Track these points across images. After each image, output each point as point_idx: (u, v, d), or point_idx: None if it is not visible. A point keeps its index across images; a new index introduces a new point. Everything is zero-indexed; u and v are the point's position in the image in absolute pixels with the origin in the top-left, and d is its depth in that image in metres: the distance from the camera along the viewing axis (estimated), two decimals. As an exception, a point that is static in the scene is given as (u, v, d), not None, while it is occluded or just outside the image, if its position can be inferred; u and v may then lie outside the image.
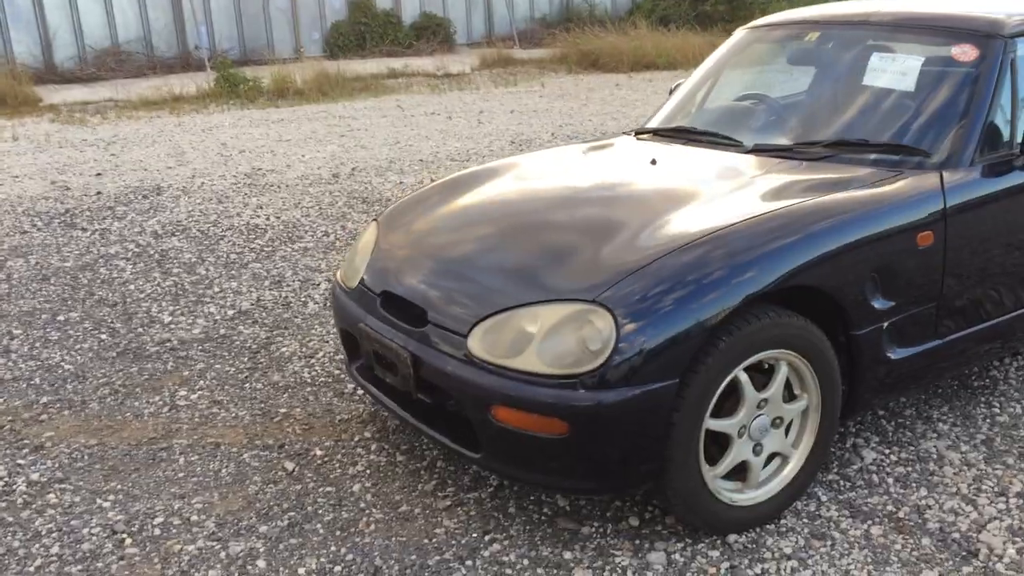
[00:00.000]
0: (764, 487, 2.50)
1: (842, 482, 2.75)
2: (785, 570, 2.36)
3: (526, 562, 2.45)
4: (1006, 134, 2.87)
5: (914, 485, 2.72)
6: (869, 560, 2.38)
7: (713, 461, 2.41)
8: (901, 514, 2.58)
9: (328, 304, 4.48)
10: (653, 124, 3.61)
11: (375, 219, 3.25)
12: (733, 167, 2.93)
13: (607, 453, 2.26)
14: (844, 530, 2.51)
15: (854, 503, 2.64)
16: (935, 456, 2.87)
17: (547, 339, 2.27)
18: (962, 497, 2.64)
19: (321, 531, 2.64)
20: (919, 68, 2.94)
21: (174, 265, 5.21)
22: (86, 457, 3.12)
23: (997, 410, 3.15)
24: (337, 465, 3.00)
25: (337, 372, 3.71)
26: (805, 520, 2.57)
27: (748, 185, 2.75)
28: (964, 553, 2.39)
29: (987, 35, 2.93)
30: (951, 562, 2.36)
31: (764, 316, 2.33)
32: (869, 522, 2.55)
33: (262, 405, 3.46)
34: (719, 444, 2.40)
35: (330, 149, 8.93)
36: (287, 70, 13.99)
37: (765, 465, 2.50)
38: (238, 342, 4.08)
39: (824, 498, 2.67)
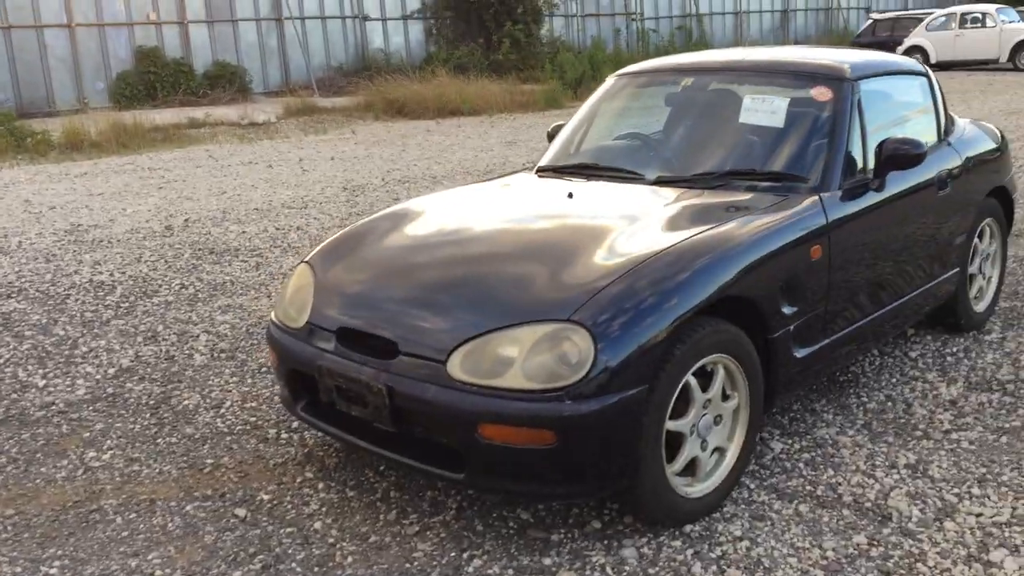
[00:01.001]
0: (709, 479, 2.80)
1: (762, 471, 3.10)
2: (741, 549, 2.65)
3: (511, 572, 2.60)
4: (860, 161, 3.37)
5: (821, 467, 3.11)
6: (807, 533, 2.72)
7: (668, 460, 2.67)
8: (819, 492, 2.95)
9: (216, 355, 4.42)
10: (547, 163, 3.88)
11: (304, 261, 3.30)
12: (647, 196, 3.26)
13: (590, 458, 2.47)
14: (778, 511, 2.85)
15: (778, 487, 2.99)
16: (830, 441, 3.28)
17: (529, 358, 2.46)
18: (863, 472, 3.06)
19: (298, 569, 2.67)
20: (786, 107, 3.39)
21: (24, 327, 4.93)
22: (9, 528, 2.96)
23: (865, 399, 3.64)
24: (290, 506, 3.01)
25: (253, 419, 3.69)
26: (743, 506, 2.88)
27: (669, 211, 3.08)
28: (880, 518, 2.79)
29: (838, 78, 3.45)
30: (872, 526, 2.74)
31: (707, 325, 2.64)
32: (796, 501, 2.90)
33: (184, 458, 3.40)
34: (671, 444, 2.67)
35: (152, 201, 8.64)
36: (77, 121, 13.29)
37: (709, 459, 2.80)
38: (132, 399, 3.96)
39: (752, 485, 3.00)
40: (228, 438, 3.55)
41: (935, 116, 3.96)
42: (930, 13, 24.05)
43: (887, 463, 3.11)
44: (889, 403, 3.58)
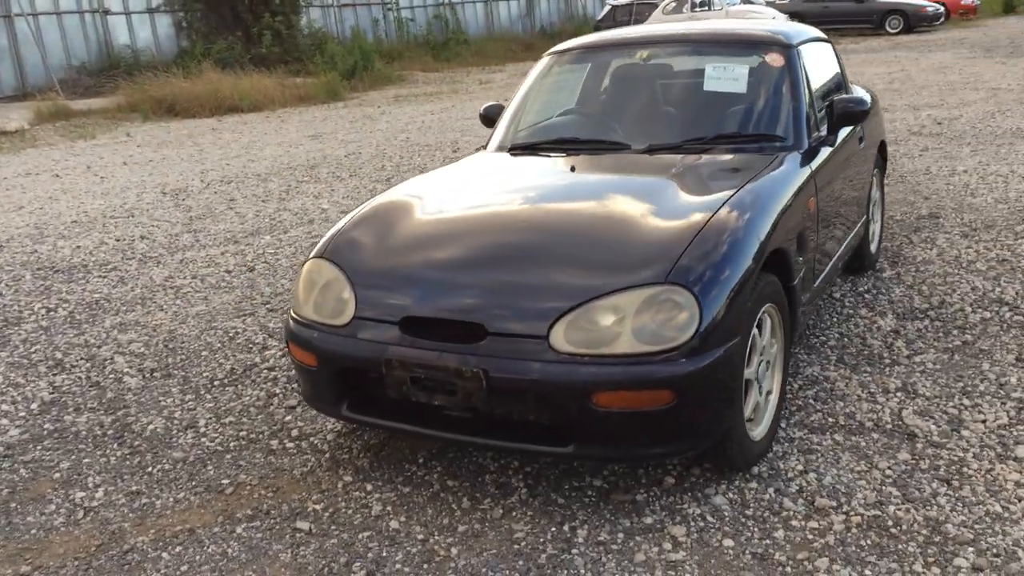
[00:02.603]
0: (763, 422, 2.98)
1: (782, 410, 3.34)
2: (811, 481, 2.86)
3: (621, 535, 2.65)
4: (813, 119, 3.69)
5: (828, 400, 3.40)
6: (857, 457, 2.98)
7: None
8: (841, 422, 3.23)
9: (149, 376, 4.06)
10: (519, 141, 3.87)
11: (314, 257, 3.12)
12: (652, 163, 3.38)
13: (702, 413, 2.58)
14: (819, 443, 3.09)
15: (804, 423, 3.24)
16: (821, 378, 3.59)
17: (636, 322, 2.51)
18: (866, 400, 3.38)
19: (405, 569, 2.57)
20: (747, 74, 3.64)
21: None
22: (38, 585, 2.60)
23: (824, 338, 4.00)
24: (351, 512, 2.87)
25: (242, 433, 3.45)
26: (786, 444, 3.10)
27: (687, 174, 3.22)
28: (907, 436, 3.10)
29: (785, 45, 3.74)
30: (906, 444, 3.05)
31: (762, 277, 2.81)
32: (828, 432, 3.16)
33: (194, 483, 3.13)
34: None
35: (-58, 223, 7.62)
36: None
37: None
38: (82, 431, 3.57)
39: (782, 424, 3.23)
40: (228, 456, 3.29)
41: (842, 76, 4.39)
42: (665, -2, 25.86)
43: (880, 389, 3.44)
44: (846, 339, 3.95)
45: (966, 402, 3.30)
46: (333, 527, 2.80)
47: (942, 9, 26.08)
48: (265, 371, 4.04)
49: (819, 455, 3.01)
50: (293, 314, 3.06)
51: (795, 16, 23.72)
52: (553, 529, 2.70)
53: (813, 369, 3.66)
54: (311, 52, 20.89)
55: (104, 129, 14.08)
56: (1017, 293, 4.31)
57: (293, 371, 3.96)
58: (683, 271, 2.58)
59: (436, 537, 2.71)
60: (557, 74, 4.19)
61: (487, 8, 28.10)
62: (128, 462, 3.30)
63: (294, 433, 3.42)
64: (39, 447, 3.46)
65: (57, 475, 3.23)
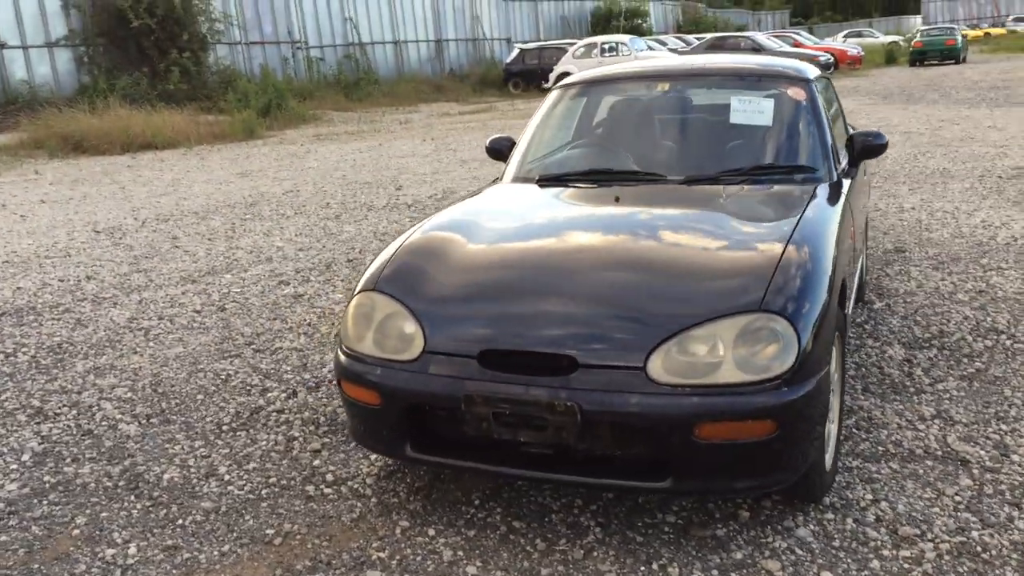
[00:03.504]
0: (830, 451, 2.96)
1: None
2: (886, 510, 2.84)
3: (716, 572, 2.57)
4: (836, 150, 3.75)
5: (869, 429, 3.41)
6: (920, 485, 2.98)
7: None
8: (892, 450, 3.24)
9: (147, 422, 3.79)
10: (545, 173, 3.78)
11: (365, 290, 2.96)
12: (698, 194, 3.36)
13: (801, 442, 2.53)
14: (878, 472, 3.09)
15: (856, 451, 3.24)
16: (855, 407, 3.61)
17: (737, 351, 2.46)
18: (906, 427, 3.40)
19: (502, 618, 2.42)
20: (772, 107, 3.68)
21: None
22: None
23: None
24: (421, 559, 2.71)
25: (272, 479, 3.24)
26: (846, 474, 3.09)
27: (739, 204, 3.21)
28: (960, 462, 3.13)
29: (804, 79, 3.81)
30: (963, 470, 3.07)
31: (831, 303, 2.81)
32: (882, 461, 3.16)
33: (235, 534, 2.90)
34: None
35: None
36: None
37: (826, 431, 2.96)
38: (91, 483, 3.29)
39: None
40: (264, 504, 3.08)
41: (840, 109, 4.50)
42: (572, 43, 26.45)
43: (917, 417, 3.48)
44: (863, 369, 4.00)
45: (1004, 427, 3.36)
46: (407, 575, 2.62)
47: (832, 59, 27.48)
48: (274, 414, 3.81)
49: (882, 484, 3.00)
50: (346, 349, 2.89)
51: (699, 62, 24.54)
52: (642, 568, 2.60)
53: (844, 399, 3.67)
54: (220, 89, 20.45)
55: (8, 166, 13.38)
56: (1008, 322, 4.46)
57: (306, 414, 3.77)
58: (775, 300, 2.54)
59: (521, 582, 2.57)
60: (572, 105, 4.15)
61: (397, 49, 28.12)
62: (153, 515, 3.04)
63: (329, 478, 3.23)
64: (45, 502, 3.16)
65: (76, 531, 2.95)
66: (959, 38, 30.46)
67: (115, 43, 20.28)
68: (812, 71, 4.00)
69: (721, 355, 2.46)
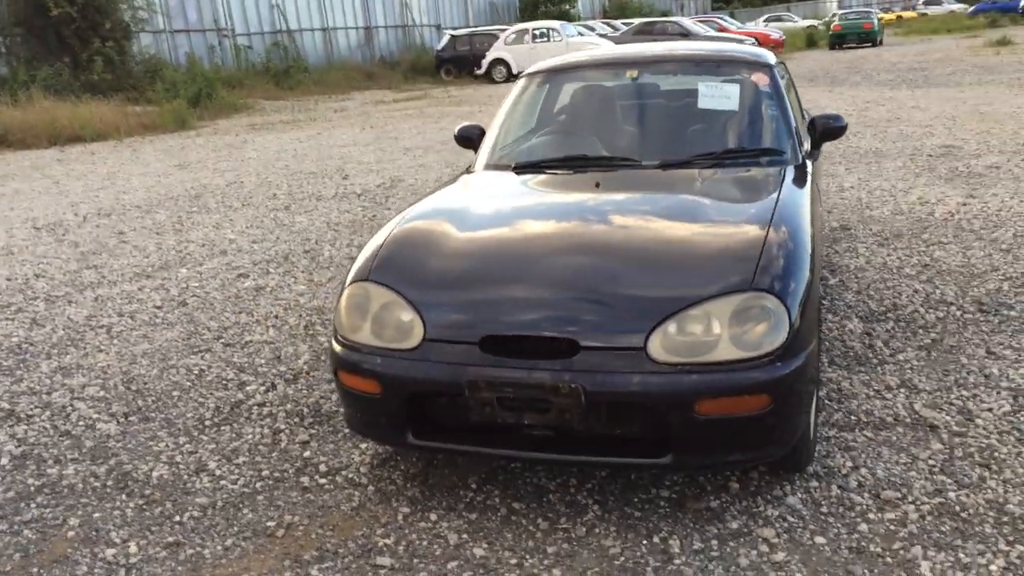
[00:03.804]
0: (812, 422, 3.09)
1: (803, 413, 3.47)
2: (866, 476, 2.98)
3: (715, 542, 2.68)
4: (800, 133, 3.88)
5: (840, 400, 3.56)
6: (894, 451, 3.13)
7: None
8: (864, 419, 3.39)
9: (124, 420, 3.76)
10: (523, 160, 3.82)
11: (358, 280, 2.98)
12: (676, 178, 3.45)
13: (793, 414, 2.65)
14: (854, 440, 3.23)
15: (830, 422, 3.38)
16: (824, 380, 3.76)
17: (733, 329, 2.57)
18: (875, 397, 3.56)
19: (516, 596, 2.50)
20: (738, 93, 3.80)
21: None
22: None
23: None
24: (427, 543, 2.76)
25: (265, 471, 3.25)
26: (823, 444, 3.23)
27: (717, 187, 3.32)
28: (929, 428, 3.30)
29: (767, 65, 3.94)
30: (932, 436, 3.23)
31: (814, 281, 2.93)
32: (856, 430, 3.31)
33: (235, 528, 2.92)
34: None
35: None
36: None
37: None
38: (77, 484, 3.27)
39: (812, 426, 3.35)
40: (260, 497, 3.09)
41: (796, 93, 4.65)
42: (503, 30, 26.45)
43: (883, 387, 3.65)
44: (826, 343, 4.16)
45: (965, 393, 3.54)
46: (416, 560, 2.68)
47: (756, 43, 28.03)
48: (256, 408, 3.81)
49: (859, 451, 3.15)
50: (341, 340, 2.91)
51: (629, 47, 24.81)
52: (644, 543, 2.70)
53: (813, 372, 3.82)
54: (146, 80, 19.95)
55: (-71, 162, 12.86)
56: (956, 294, 4.68)
57: (288, 406, 3.77)
58: (764, 278, 2.65)
59: (531, 560, 2.64)
60: (541, 93, 4.21)
61: (326, 36, 27.75)
62: (148, 512, 3.03)
63: (322, 468, 3.25)
64: (33, 505, 3.12)
65: (71, 533, 2.93)
66: (876, 22, 31.34)
67: (34, 32, 19.60)
68: (771, 57, 4.13)
69: (717, 334, 2.56)
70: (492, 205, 3.41)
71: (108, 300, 5.55)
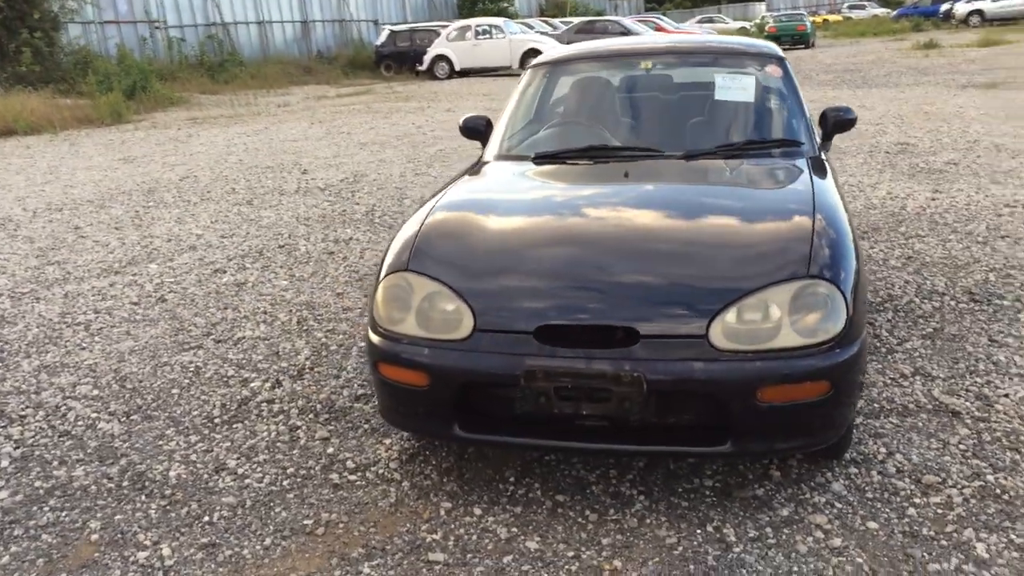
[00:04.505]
0: (849, 409, 3.11)
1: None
2: (902, 462, 3.01)
3: (769, 529, 2.67)
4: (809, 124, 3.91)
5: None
6: (924, 436, 3.17)
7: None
8: (887, 406, 3.43)
9: (127, 419, 3.60)
10: (541, 150, 3.73)
11: (397, 271, 2.89)
12: (707, 168, 3.43)
13: (848, 401, 2.66)
14: (881, 427, 3.27)
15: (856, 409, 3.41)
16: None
17: (792, 316, 2.56)
18: (893, 384, 3.61)
19: (582, 589, 2.45)
20: (754, 84, 3.81)
21: None
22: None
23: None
24: (476, 537, 2.70)
25: (289, 468, 3.15)
26: (855, 432, 3.25)
27: (750, 176, 3.32)
28: (951, 413, 3.35)
29: (778, 57, 3.95)
30: (956, 421, 3.27)
31: (860, 267, 2.93)
32: (882, 417, 3.34)
33: (271, 527, 2.81)
34: None
35: None
36: None
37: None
38: (90, 486, 3.12)
39: (837, 413, 3.38)
40: (291, 495, 2.98)
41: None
42: (445, 26, 26.30)
43: (897, 374, 3.70)
44: (832, 333, 4.19)
45: (979, 380, 3.61)
46: (470, 555, 2.61)
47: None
48: (264, 405, 3.68)
49: (889, 437, 3.18)
50: (383, 331, 2.82)
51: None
52: (698, 532, 2.67)
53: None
54: (77, 72, 19.29)
55: None
56: (946, 285, 4.77)
57: (300, 402, 3.65)
58: (818, 266, 2.65)
59: (588, 552, 2.60)
60: (551, 84, 4.16)
61: (261, 30, 27.22)
62: (173, 513, 2.89)
63: (350, 465, 3.15)
64: (46, 508, 2.96)
65: (95, 536, 2.78)
66: (808, 24, 32.09)
67: (-44, 22, 18.77)
68: (779, 50, 4.15)
69: (777, 321, 2.54)
70: (523, 195, 3.35)
71: (79, 296, 5.32)
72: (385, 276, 2.90)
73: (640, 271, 2.71)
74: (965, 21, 33.90)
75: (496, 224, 3.01)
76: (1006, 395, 3.46)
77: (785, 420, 2.57)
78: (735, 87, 3.78)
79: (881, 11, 51.80)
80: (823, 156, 3.70)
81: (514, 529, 2.72)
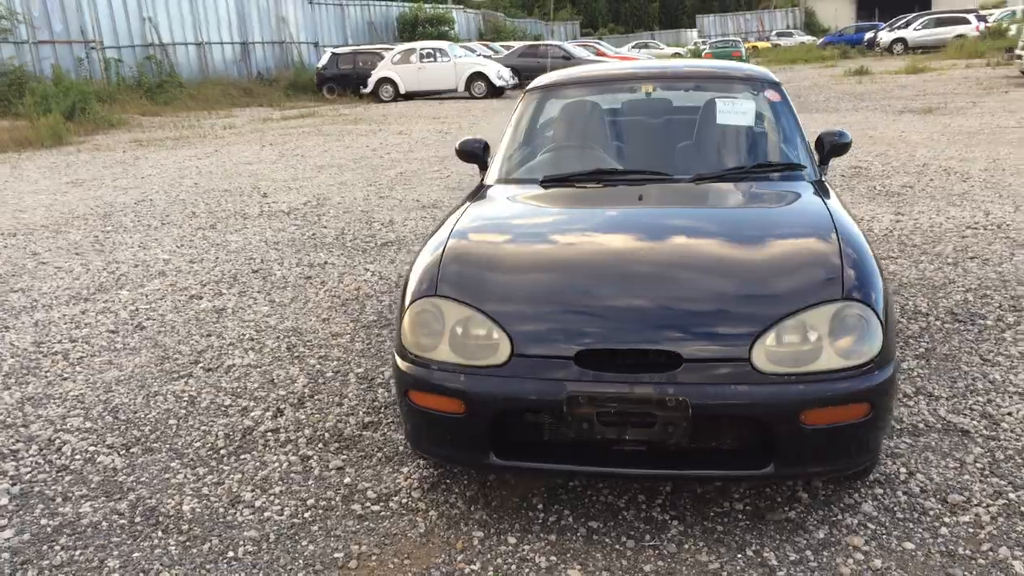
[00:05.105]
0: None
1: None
2: (925, 482, 3.05)
3: (809, 553, 2.68)
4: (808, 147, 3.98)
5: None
6: (943, 454, 3.22)
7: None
8: (897, 426, 3.49)
9: (128, 453, 3.47)
10: (548, 174, 3.73)
11: (425, 296, 2.84)
12: (718, 191, 3.46)
13: (885, 422, 2.69)
14: (896, 447, 3.32)
15: (866, 430, 3.45)
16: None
17: (832, 338, 2.58)
18: (900, 406, 3.67)
19: (635, 618, 2.42)
20: (754, 108, 3.87)
21: None
22: None
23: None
24: (517, 568, 2.65)
25: (309, 500, 3.06)
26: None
27: (762, 199, 3.36)
28: (962, 432, 3.42)
29: (775, 82, 4.02)
30: (968, 440, 3.35)
31: (887, 289, 2.98)
32: (896, 437, 3.40)
33: (302, 562, 2.72)
34: None
35: None
36: None
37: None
38: (101, 523, 2.98)
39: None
40: (315, 528, 2.90)
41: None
42: (389, 49, 26.24)
43: (901, 394, 3.75)
44: (828, 354, 4.25)
45: (980, 399, 3.69)
46: (516, 589, 2.55)
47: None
48: (270, 435, 3.58)
49: (907, 457, 3.22)
50: (413, 357, 2.76)
51: (514, 70, 25.12)
52: (739, 556, 2.67)
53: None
54: (11, 92, 18.73)
55: None
56: (928, 305, 4.89)
57: (307, 431, 3.56)
58: (852, 288, 2.68)
59: (635, 580, 2.56)
60: (551, 107, 4.16)
61: (200, 51, 26.80)
62: (195, 549, 2.79)
63: (371, 495, 3.08)
64: (57, 547, 2.82)
65: (115, 576, 2.65)
66: (743, 50, 32.87)
67: None
68: (773, 75, 4.22)
69: (816, 343, 2.56)
70: (541, 218, 3.34)
71: (51, 324, 5.13)
72: (412, 302, 2.85)
73: (676, 294, 2.72)
74: (889, 49, 35.05)
75: (521, 248, 2.99)
76: (1009, 413, 3.54)
77: (826, 442, 2.59)
78: (736, 111, 3.83)
79: (807, 39, 53.27)
80: (824, 179, 3.76)
81: (552, 558, 2.68)
